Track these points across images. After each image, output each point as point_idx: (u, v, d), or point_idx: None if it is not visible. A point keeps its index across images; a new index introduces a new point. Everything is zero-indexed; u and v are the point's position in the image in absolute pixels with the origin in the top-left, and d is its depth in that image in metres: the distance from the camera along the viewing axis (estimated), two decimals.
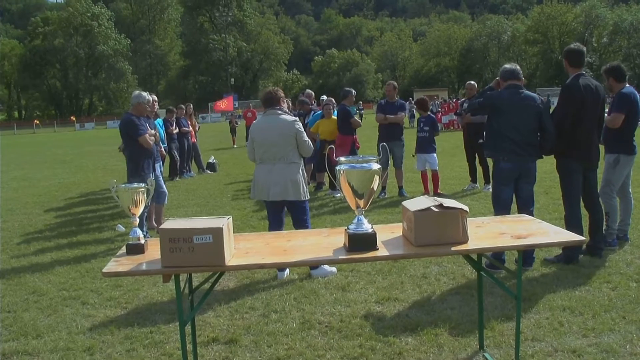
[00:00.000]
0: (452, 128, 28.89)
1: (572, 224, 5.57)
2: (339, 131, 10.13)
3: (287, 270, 5.86)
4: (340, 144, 9.82)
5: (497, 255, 5.47)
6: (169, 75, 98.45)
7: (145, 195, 3.55)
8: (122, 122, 7.41)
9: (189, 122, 15.24)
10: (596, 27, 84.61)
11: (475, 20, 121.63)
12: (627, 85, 6.17)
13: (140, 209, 3.54)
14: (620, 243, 6.30)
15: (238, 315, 4.87)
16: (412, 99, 39.82)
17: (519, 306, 3.47)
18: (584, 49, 5.87)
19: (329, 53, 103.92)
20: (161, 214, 8.26)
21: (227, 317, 4.83)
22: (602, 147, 6.03)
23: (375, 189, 3.24)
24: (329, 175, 8.15)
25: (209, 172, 15.61)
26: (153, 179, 6.22)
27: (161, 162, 8.59)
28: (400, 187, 10.32)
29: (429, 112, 10.84)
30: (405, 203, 3.49)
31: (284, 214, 5.97)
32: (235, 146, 24.63)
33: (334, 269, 5.84)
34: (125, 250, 3.41)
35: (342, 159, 3.23)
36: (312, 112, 11.56)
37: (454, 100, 36.62)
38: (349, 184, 3.18)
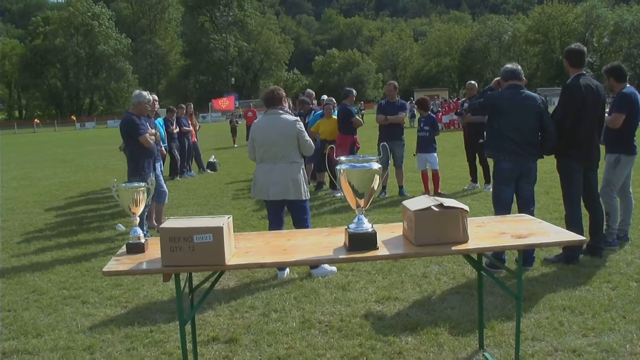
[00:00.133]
0: (452, 128, 28.88)
1: (572, 223, 5.57)
2: (340, 131, 10.13)
3: (287, 270, 5.86)
4: (340, 143, 9.82)
5: (498, 254, 5.47)
6: (170, 75, 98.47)
7: (145, 194, 3.55)
8: (123, 122, 7.42)
9: (190, 122, 15.25)
10: (597, 27, 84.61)
11: (476, 20, 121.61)
12: (628, 85, 6.17)
13: (140, 208, 3.54)
14: (620, 243, 6.29)
15: (238, 314, 4.88)
16: (413, 99, 39.83)
17: (519, 306, 3.47)
18: (585, 49, 5.86)
19: (329, 53, 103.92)
20: (161, 213, 8.26)
21: (227, 316, 4.83)
22: (602, 147, 6.03)
23: (375, 188, 3.24)
24: (329, 175, 8.14)
25: (209, 171, 15.61)
26: (153, 178, 6.24)
27: (161, 162, 8.59)
28: (401, 187, 10.32)
29: (429, 112, 10.84)
30: (405, 202, 3.49)
31: (284, 213, 5.97)
32: (235, 146, 24.63)
33: (334, 268, 5.84)
34: (125, 250, 3.42)
35: (343, 158, 3.23)
36: (313, 111, 11.56)
37: (455, 100, 36.62)
38: (350, 183, 3.18)
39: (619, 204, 6.38)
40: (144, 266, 3.21)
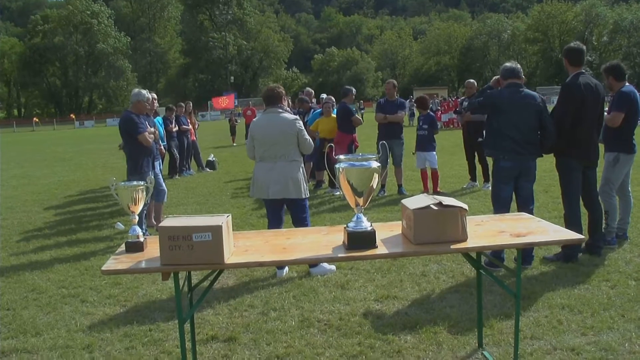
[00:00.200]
0: (451, 126, 28.89)
1: (571, 222, 5.57)
2: (339, 129, 10.12)
3: (286, 268, 5.86)
4: (338, 141, 9.81)
5: (497, 253, 5.48)
6: (169, 74, 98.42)
7: (144, 193, 3.55)
8: (122, 120, 7.41)
9: (189, 120, 15.24)
10: (596, 26, 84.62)
11: (475, 18, 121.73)
12: (627, 84, 6.17)
13: (139, 207, 3.54)
14: (619, 242, 6.30)
15: (237, 313, 4.88)
16: (412, 98, 39.85)
17: (518, 304, 3.47)
18: (584, 47, 5.86)
19: (328, 51, 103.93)
20: (160, 212, 8.26)
21: (226, 315, 4.83)
22: (601, 146, 6.03)
23: (374, 187, 3.24)
24: (328, 174, 8.14)
25: (208, 170, 15.61)
26: (152, 176, 6.22)
27: (160, 160, 8.59)
28: (400, 186, 10.32)
29: (428, 111, 10.83)
30: (404, 201, 3.49)
31: (283, 212, 5.96)
32: (234, 144, 24.62)
33: (333, 267, 5.84)
34: (124, 248, 3.41)
35: (342, 157, 3.23)
36: (312, 110, 11.55)
37: (454, 98, 36.63)
38: (349, 182, 3.18)
39: (618, 203, 6.39)
40: (143, 265, 3.21)
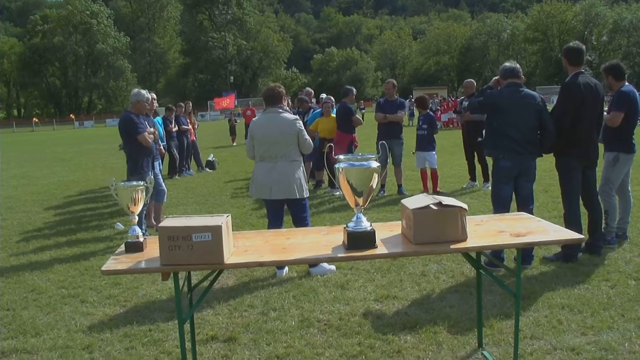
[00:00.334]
0: (451, 126, 28.88)
1: (571, 222, 5.57)
2: (339, 129, 10.11)
3: (286, 268, 5.85)
4: (338, 141, 9.80)
5: (496, 253, 5.48)
6: (169, 74, 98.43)
7: (144, 193, 3.55)
8: (121, 120, 7.40)
9: (188, 120, 15.24)
10: (596, 26, 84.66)
11: (475, 18, 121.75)
12: (627, 83, 6.17)
13: (139, 207, 3.54)
14: (619, 241, 6.30)
15: (237, 313, 4.87)
16: (412, 97, 39.86)
17: (517, 304, 3.47)
18: (583, 47, 5.86)
19: (328, 51, 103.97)
20: (160, 212, 8.26)
21: (226, 315, 4.83)
22: (601, 146, 6.03)
23: (374, 187, 3.24)
24: (328, 173, 8.14)
25: (208, 170, 15.60)
26: (152, 177, 6.22)
27: (160, 160, 8.58)
28: (400, 185, 10.31)
29: (428, 110, 10.83)
30: (404, 201, 3.49)
31: (283, 211, 5.96)
32: (234, 144, 24.62)
33: (333, 267, 5.84)
34: (124, 248, 3.41)
35: (341, 157, 3.23)
36: (312, 110, 11.55)
37: (453, 98, 36.63)
38: (348, 182, 3.18)
39: (618, 203, 6.39)
40: (143, 265, 3.21)
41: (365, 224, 3.26)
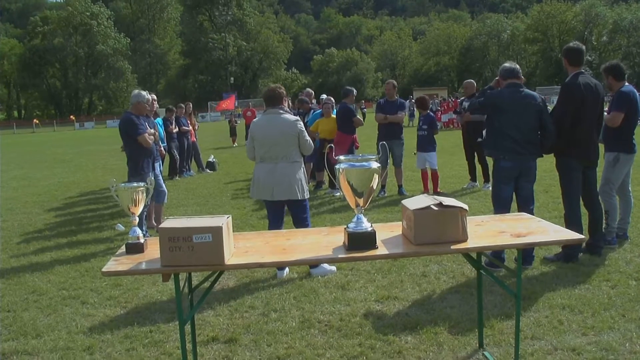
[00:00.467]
0: (451, 127, 28.87)
1: (571, 222, 5.57)
2: (339, 129, 10.11)
3: (287, 269, 5.85)
4: (338, 141, 9.80)
5: (497, 253, 5.48)
6: (169, 75, 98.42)
7: (144, 194, 3.55)
8: (122, 121, 7.41)
9: (189, 121, 15.23)
10: (596, 26, 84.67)
11: (475, 19, 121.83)
12: (627, 84, 6.17)
13: (139, 208, 3.54)
14: (619, 241, 6.30)
15: (238, 314, 4.88)
16: (412, 98, 39.86)
17: (518, 305, 3.47)
18: (583, 47, 5.86)
19: (328, 52, 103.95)
20: (161, 213, 8.26)
21: (227, 316, 4.83)
22: (601, 146, 6.03)
23: (374, 187, 3.24)
24: (328, 174, 8.14)
25: (208, 171, 15.60)
26: (152, 178, 6.23)
27: (161, 161, 8.58)
28: (400, 186, 10.31)
29: (428, 111, 10.83)
30: (404, 202, 3.49)
31: (284, 212, 5.96)
32: (235, 145, 24.62)
33: (333, 267, 5.84)
34: (124, 250, 3.41)
35: (342, 157, 3.23)
36: (312, 111, 11.55)
37: (453, 99, 36.62)
38: (349, 182, 3.18)
39: (618, 203, 6.39)
40: (143, 266, 3.21)
41: (366, 225, 3.26)
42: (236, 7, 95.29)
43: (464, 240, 3.28)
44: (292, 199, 5.68)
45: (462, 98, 17.39)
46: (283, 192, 5.62)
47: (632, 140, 6.17)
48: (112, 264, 3.23)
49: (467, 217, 3.33)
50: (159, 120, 10.74)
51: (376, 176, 3.19)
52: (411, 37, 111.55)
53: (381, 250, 3.24)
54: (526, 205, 5.63)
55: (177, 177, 14.28)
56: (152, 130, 7.63)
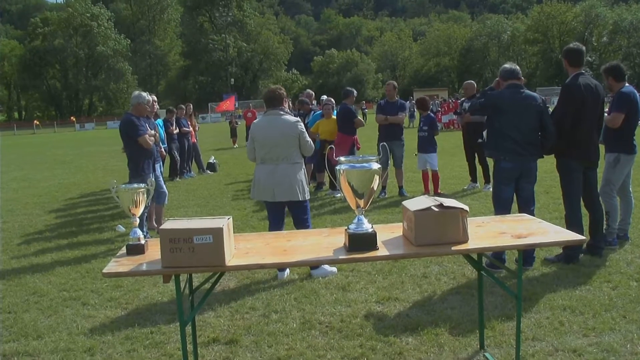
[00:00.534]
0: (452, 128, 28.86)
1: (572, 223, 5.57)
2: (340, 130, 10.11)
3: (288, 270, 5.85)
4: (339, 142, 9.80)
5: (498, 254, 5.47)
6: (169, 76, 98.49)
7: (145, 195, 3.55)
8: (122, 123, 7.41)
9: (189, 123, 15.23)
10: (596, 27, 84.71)
11: (475, 19, 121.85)
12: (627, 84, 6.17)
13: (140, 210, 3.54)
14: (620, 242, 6.30)
15: (238, 315, 4.87)
16: (412, 99, 39.86)
17: (519, 306, 3.47)
18: (583, 48, 5.86)
19: (328, 53, 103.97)
20: (161, 215, 8.26)
21: (228, 318, 4.83)
22: (602, 147, 6.03)
23: (375, 188, 3.24)
24: (329, 175, 8.14)
25: (209, 172, 15.61)
26: (153, 179, 6.23)
27: (161, 163, 8.58)
28: (401, 187, 10.31)
29: (428, 112, 10.83)
30: (405, 203, 3.49)
31: (284, 213, 5.96)
32: (235, 146, 24.63)
33: (334, 269, 5.84)
34: (125, 251, 3.41)
35: (342, 158, 3.23)
36: (312, 112, 11.56)
37: (454, 99, 36.62)
38: (349, 183, 3.18)
39: (619, 204, 6.38)
40: (144, 267, 3.21)
41: (367, 226, 3.26)
42: (236, 8, 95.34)
43: (465, 241, 3.28)
44: (292, 200, 5.68)
45: (463, 99, 17.39)
46: (284, 193, 5.62)
47: (633, 141, 6.16)
48: (113, 265, 3.23)
49: (468, 218, 3.33)
50: (160, 121, 10.74)
51: (377, 177, 3.19)
52: (411, 38, 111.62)
53: (382, 251, 3.24)
54: (527, 206, 5.63)
55: (177, 178, 14.29)
56: (153, 132, 7.63)
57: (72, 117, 72.94)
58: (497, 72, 5.94)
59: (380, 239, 3.31)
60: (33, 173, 18.35)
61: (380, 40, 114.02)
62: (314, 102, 12.84)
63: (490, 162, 7.88)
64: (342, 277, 5.69)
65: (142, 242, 3.42)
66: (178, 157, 14.32)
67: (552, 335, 4.15)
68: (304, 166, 5.85)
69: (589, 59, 71.63)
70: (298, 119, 5.96)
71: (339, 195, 10.25)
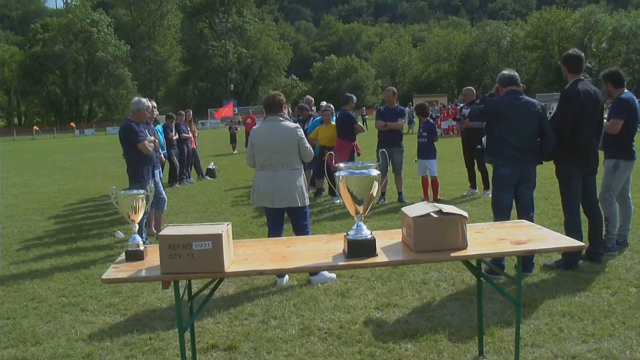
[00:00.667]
0: (451, 134, 28.88)
1: (571, 229, 5.57)
2: (340, 136, 10.11)
3: (287, 277, 5.85)
4: (338, 148, 9.80)
5: (497, 261, 5.47)
6: (169, 82, 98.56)
7: (144, 201, 3.55)
8: (122, 129, 7.42)
9: (189, 128, 15.25)
10: (595, 33, 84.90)
11: (475, 26, 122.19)
12: (626, 90, 6.18)
13: (139, 216, 3.55)
14: (619, 248, 6.30)
15: (237, 321, 4.87)
16: (412, 105, 39.93)
17: (518, 312, 3.47)
18: (582, 54, 5.88)
19: (328, 59, 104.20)
20: (160, 221, 8.26)
21: (227, 324, 4.82)
22: (601, 153, 6.04)
23: (374, 195, 3.25)
24: (328, 181, 8.14)
25: (208, 178, 15.61)
26: (152, 185, 6.23)
27: (161, 169, 8.59)
28: (400, 193, 10.31)
29: (428, 118, 10.84)
30: (404, 209, 3.49)
31: (284, 220, 5.96)
32: (235, 152, 24.64)
33: (333, 275, 5.83)
34: (124, 257, 3.42)
35: (342, 165, 3.24)
36: (312, 118, 11.56)
37: (453, 106, 36.66)
38: (349, 190, 3.18)
39: (618, 210, 6.39)
40: (143, 273, 3.21)
41: (366, 232, 3.27)
42: (236, 15, 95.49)
43: (464, 247, 3.28)
44: (292, 206, 5.68)
45: (462, 105, 17.41)
46: (283, 199, 5.62)
47: (632, 147, 6.17)
48: (112, 271, 3.23)
49: (467, 225, 3.34)
50: (159, 127, 10.76)
51: (376, 183, 3.20)
52: (411, 44, 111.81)
53: (381, 257, 3.24)
54: (526, 212, 5.63)
55: (177, 184, 14.28)
56: (152, 138, 7.64)
57: (71, 123, 72.93)
58: (496, 79, 5.96)
59: (379, 245, 3.32)
60: (32, 179, 18.35)
61: (379, 47, 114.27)
62: (314, 108, 12.84)
63: (489, 168, 7.87)
64: (341, 284, 5.69)
65: (141, 248, 3.43)
66: (177, 163, 14.32)
67: (551, 341, 4.15)
68: (303, 172, 5.85)
69: (588, 65, 71.73)
70: (297, 125, 5.96)
71: (338, 201, 10.25)
